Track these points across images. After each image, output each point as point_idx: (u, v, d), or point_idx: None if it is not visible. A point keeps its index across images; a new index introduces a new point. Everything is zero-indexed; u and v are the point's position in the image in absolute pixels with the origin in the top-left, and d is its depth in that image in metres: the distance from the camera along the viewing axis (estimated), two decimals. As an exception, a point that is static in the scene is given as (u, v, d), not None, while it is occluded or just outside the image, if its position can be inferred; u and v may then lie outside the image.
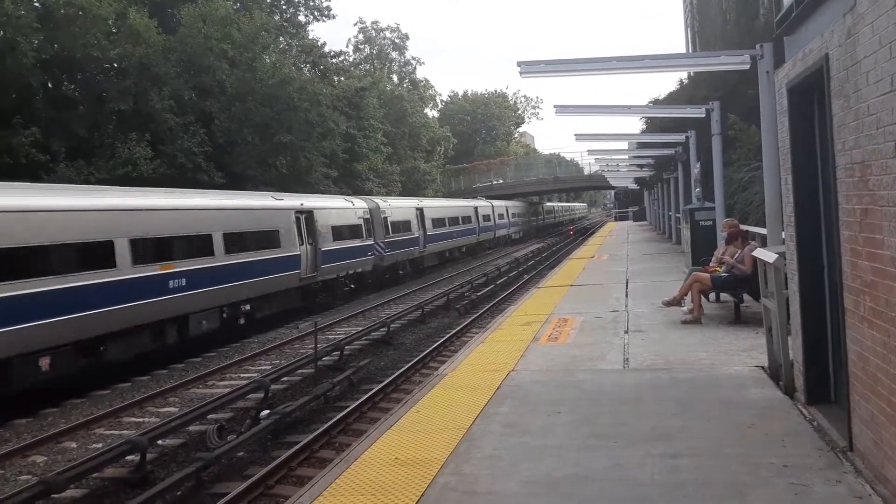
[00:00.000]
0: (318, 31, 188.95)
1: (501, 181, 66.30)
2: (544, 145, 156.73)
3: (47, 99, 27.12)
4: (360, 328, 16.29)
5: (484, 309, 18.74)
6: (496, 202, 49.24)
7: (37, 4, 26.61)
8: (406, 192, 50.70)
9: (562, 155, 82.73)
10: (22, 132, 23.57)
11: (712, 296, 10.47)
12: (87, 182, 22.95)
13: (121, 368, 13.24)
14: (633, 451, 4.88)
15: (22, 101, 25.72)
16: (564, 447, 5.10)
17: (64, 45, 26.44)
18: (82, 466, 7.47)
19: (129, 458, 7.98)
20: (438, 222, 33.72)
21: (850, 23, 3.88)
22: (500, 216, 48.63)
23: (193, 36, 30.27)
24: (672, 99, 24.08)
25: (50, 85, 28.03)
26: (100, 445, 9.01)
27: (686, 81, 24.74)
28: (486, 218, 44.41)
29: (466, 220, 39.33)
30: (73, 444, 9.40)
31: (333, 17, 50.63)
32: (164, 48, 29.43)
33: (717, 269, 9.82)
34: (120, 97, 27.26)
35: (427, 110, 68.64)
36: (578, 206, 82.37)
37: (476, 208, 42.11)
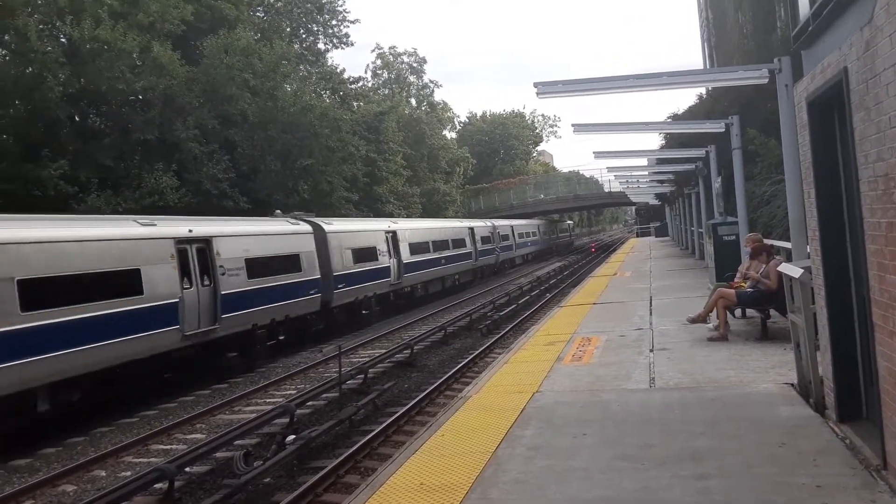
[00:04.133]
0: (337, 58, 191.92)
1: (521, 201, 66.40)
2: (563, 163, 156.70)
3: (74, 131, 27.81)
4: (384, 350, 16.33)
5: (507, 329, 18.67)
6: (499, 222, 44.55)
7: (63, 40, 27.39)
8: (426, 214, 50.95)
9: (581, 172, 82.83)
10: (50, 165, 24.16)
11: (738, 312, 10.32)
12: (115, 212, 23.37)
13: (145, 396, 13.37)
14: (662, 473, 4.81)
15: (49, 134, 26.41)
16: (591, 469, 5.03)
17: (90, 79, 27.15)
18: (112, 495, 7.55)
19: (157, 485, 8.03)
20: (420, 248, 28.12)
21: (867, 36, 3.86)
22: (504, 237, 43.77)
23: (216, 67, 30.92)
24: (691, 114, 23.99)
25: (76, 118, 28.75)
26: (129, 473, 9.09)
27: (704, 96, 24.67)
28: (486, 240, 39.06)
29: (459, 243, 33.74)
30: (103, 473, 9.49)
31: (352, 44, 51.64)
32: (187, 79, 30.07)
33: (743, 284, 9.69)
34: (145, 127, 27.86)
35: (445, 132, 69.15)
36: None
37: (472, 229, 36.60)
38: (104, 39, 26.08)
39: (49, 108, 25.20)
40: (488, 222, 42.34)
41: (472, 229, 36.80)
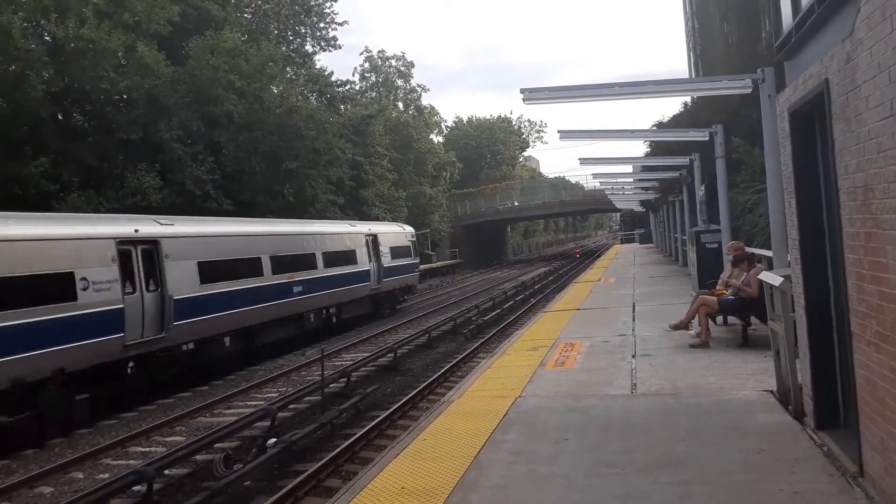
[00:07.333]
0: (324, 60, 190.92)
1: (507, 204, 66.57)
2: (549, 169, 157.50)
3: (57, 130, 27.47)
4: (367, 354, 16.28)
5: (491, 334, 18.68)
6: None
7: (47, 38, 27.09)
8: (412, 217, 50.84)
9: (567, 178, 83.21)
10: (32, 162, 23.86)
11: (720, 319, 10.40)
12: (97, 211, 23.14)
13: (127, 398, 13.24)
14: (643, 479, 4.83)
15: (32, 133, 26.05)
16: (573, 475, 5.05)
17: (74, 78, 26.86)
18: (89, 497, 7.45)
19: (136, 488, 7.93)
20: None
21: (848, 48, 3.91)
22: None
23: (202, 68, 30.66)
24: (676, 122, 24.16)
25: (60, 116, 28.41)
26: (106, 476, 8.97)
27: (690, 105, 24.85)
28: None
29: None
30: (80, 475, 9.36)
31: (340, 46, 51.36)
32: (172, 80, 29.80)
33: (724, 291, 9.77)
34: (129, 127, 27.58)
35: (432, 136, 69.16)
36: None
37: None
38: (89, 38, 25.78)
39: (32, 106, 24.86)
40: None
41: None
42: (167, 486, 8.44)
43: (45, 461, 10.08)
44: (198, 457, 9.20)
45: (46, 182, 24.09)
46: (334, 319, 21.75)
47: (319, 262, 20.41)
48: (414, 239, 30.00)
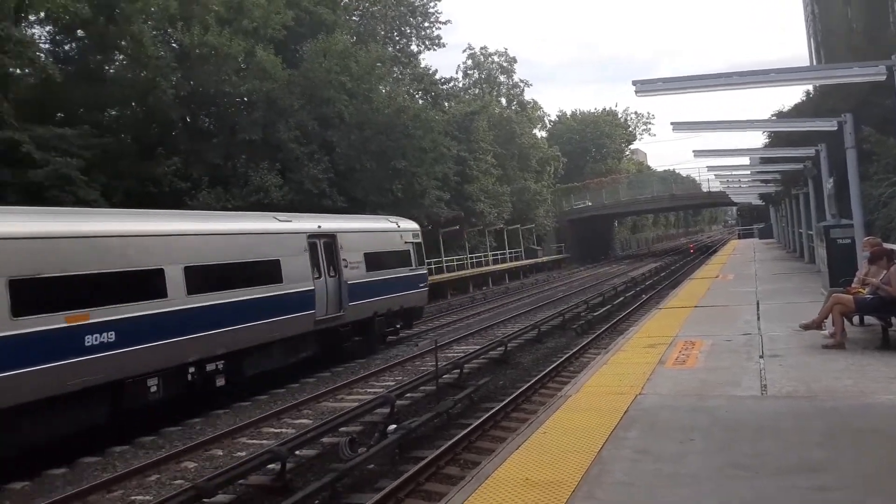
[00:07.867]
0: (428, 58, 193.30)
1: (614, 200, 65.15)
2: (658, 162, 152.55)
3: (186, 131, 29.61)
4: (478, 346, 16.54)
5: (601, 329, 18.48)
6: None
7: (174, 45, 29.15)
8: (517, 213, 50.84)
9: (677, 171, 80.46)
10: (164, 162, 25.81)
11: (856, 319, 9.80)
12: (225, 208, 24.66)
13: (259, 382, 14.13)
14: (777, 483, 4.70)
15: (163, 134, 28.21)
16: (701, 476, 4.97)
17: (199, 82, 28.82)
18: (229, 473, 8.04)
19: (270, 466, 8.49)
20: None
21: None
22: None
23: (315, 70, 32.01)
24: (798, 111, 22.94)
25: (188, 118, 30.57)
26: (243, 454, 9.66)
27: (812, 93, 23.49)
28: None
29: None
30: (220, 452, 10.13)
31: (444, 45, 51.96)
32: (288, 82, 31.31)
33: (861, 290, 9.22)
34: (250, 128, 29.27)
35: (535, 131, 68.62)
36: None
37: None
38: (212, 45, 27.59)
39: (163, 109, 26.91)
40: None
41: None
42: (298, 466, 8.98)
43: (188, 439, 10.97)
44: (325, 439, 9.72)
45: (178, 180, 25.98)
46: (220, 381, 12.83)
47: (174, 283, 11.84)
48: (418, 240, 21.40)
